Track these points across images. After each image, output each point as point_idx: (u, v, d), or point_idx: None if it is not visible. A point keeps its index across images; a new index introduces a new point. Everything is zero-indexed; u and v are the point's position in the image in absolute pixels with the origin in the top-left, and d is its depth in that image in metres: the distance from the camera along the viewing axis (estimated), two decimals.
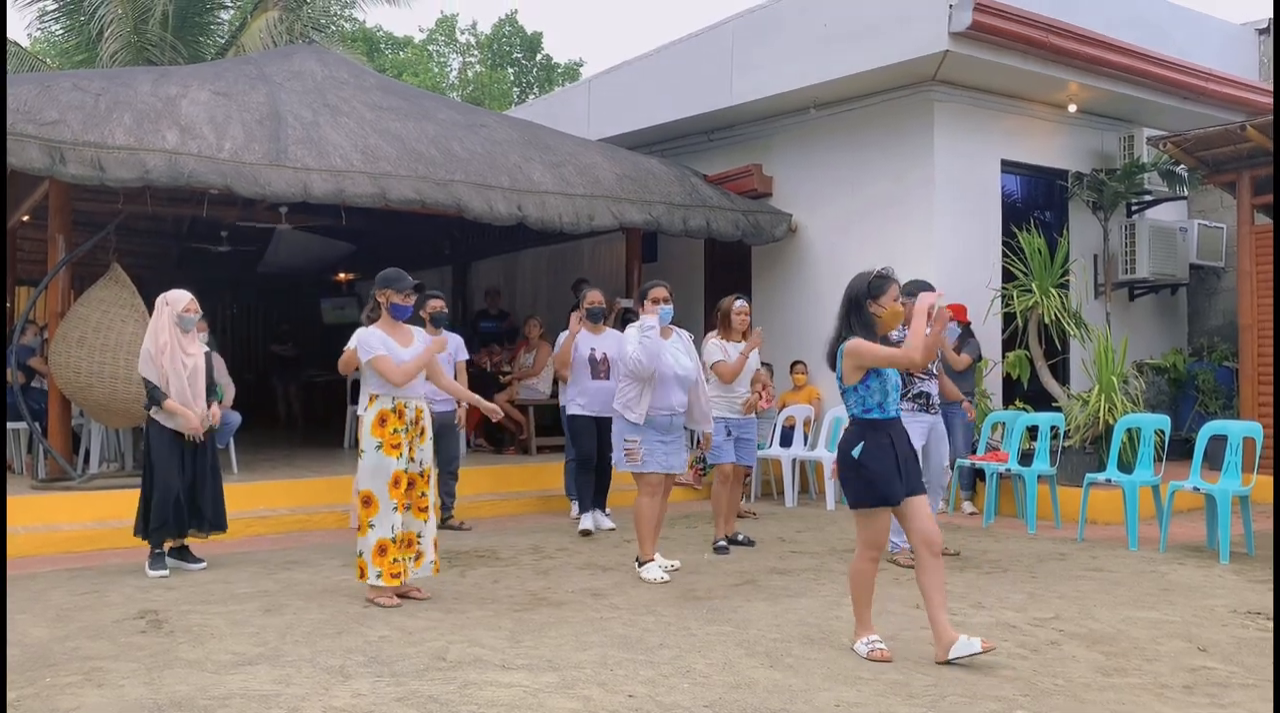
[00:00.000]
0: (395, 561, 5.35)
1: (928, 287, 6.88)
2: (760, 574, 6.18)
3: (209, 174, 7.72)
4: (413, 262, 14.63)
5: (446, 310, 7.68)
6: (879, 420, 4.43)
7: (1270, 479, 8.00)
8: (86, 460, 8.71)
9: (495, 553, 6.86)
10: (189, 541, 6.48)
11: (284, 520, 7.83)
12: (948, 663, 4.27)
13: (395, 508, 5.36)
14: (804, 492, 9.51)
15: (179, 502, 6.25)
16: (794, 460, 9.23)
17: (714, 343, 7.05)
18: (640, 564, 6.12)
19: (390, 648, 4.56)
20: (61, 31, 17.33)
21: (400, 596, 5.45)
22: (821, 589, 5.76)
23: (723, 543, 6.89)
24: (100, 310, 8.03)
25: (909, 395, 6.42)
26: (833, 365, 4.55)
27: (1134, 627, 4.93)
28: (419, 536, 5.56)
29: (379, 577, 5.33)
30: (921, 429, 6.39)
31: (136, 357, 7.77)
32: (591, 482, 7.85)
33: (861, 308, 4.48)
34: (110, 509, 7.51)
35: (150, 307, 8.18)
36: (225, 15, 18.25)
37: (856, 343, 4.40)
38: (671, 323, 6.40)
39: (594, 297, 7.90)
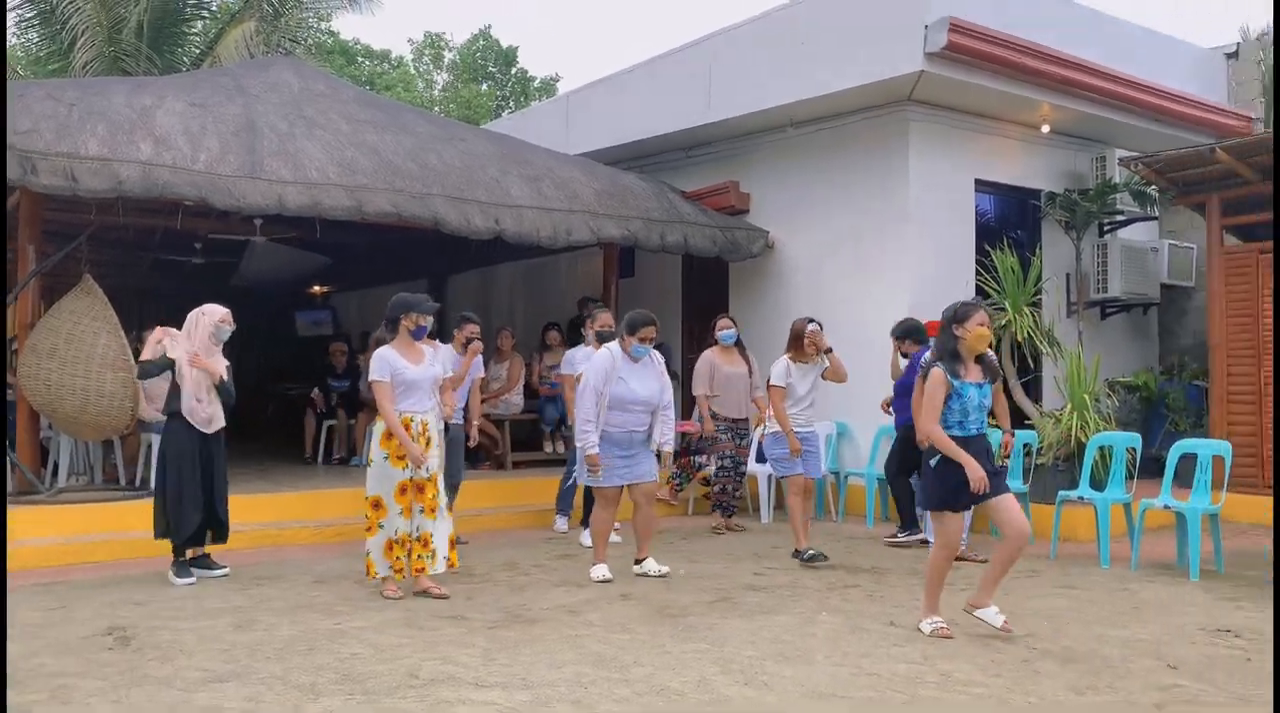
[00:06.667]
0: (399, 558, 5.97)
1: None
2: (736, 591, 6.17)
3: (183, 186, 7.66)
4: (389, 275, 14.61)
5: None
6: (956, 437, 5.00)
7: (1241, 497, 8.16)
8: (55, 474, 8.61)
9: (470, 569, 6.81)
10: (208, 548, 6.55)
11: (255, 535, 7.74)
12: (969, 613, 5.15)
13: (400, 513, 5.91)
14: (779, 508, 9.51)
15: (197, 505, 6.30)
16: (769, 477, 9.24)
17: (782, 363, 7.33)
18: (593, 565, 6.62)
19: (362, 665, 4.52)
20: (34, 40, 17.17)
21: (419, 593, 5.93)
22: (797, 606, 5.76)
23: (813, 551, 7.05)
24: (71, 321, 7.93)
25: None
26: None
27: (1106, 644, 4.96)
28: (432, 535, 5.97)
29: (389, 568, 5.95)
30: None
31: (109, 368, 7.74)
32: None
33: (948, 330, 5.11)
34: (79, 524, 7.42)
35: (122, 319, 8.14)
36: (200, 25, 18.16)
37: (932, 380, 4.99)
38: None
39: (605, 320, 8.08)
